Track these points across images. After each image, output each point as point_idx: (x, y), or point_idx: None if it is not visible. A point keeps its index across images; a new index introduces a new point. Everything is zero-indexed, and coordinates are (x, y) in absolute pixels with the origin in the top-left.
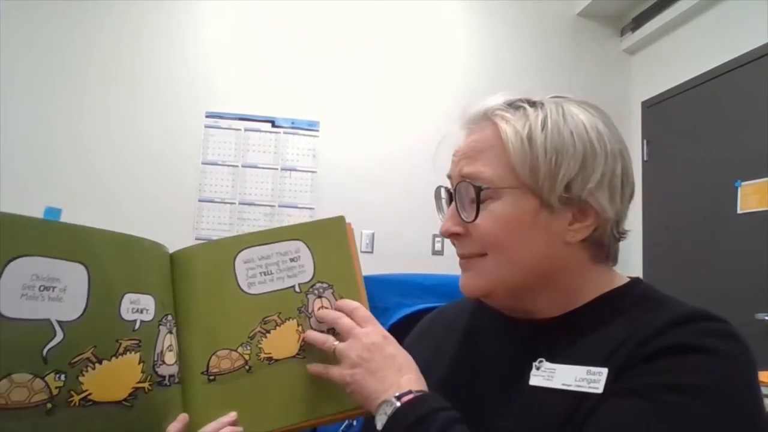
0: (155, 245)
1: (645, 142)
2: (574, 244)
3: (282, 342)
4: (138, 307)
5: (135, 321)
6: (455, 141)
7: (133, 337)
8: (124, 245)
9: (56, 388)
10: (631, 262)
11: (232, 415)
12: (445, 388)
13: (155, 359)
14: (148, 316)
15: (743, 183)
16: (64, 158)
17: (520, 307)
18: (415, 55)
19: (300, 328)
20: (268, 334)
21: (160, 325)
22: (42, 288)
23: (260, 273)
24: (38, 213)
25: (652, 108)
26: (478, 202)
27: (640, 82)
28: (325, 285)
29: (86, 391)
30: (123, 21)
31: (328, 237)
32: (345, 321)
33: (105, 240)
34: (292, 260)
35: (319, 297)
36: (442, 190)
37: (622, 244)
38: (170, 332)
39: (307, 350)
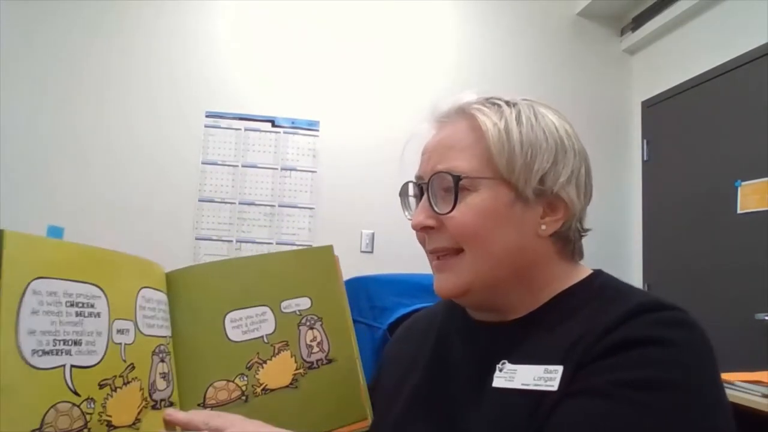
0: (146, 265)
1: (645, 142)
2: (544, 237)
3: (277, 372)
4: (122, 327)
5: (120, 344)
6: (421, 141)
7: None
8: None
9: (88, 414)
10: (631, 262)
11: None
12: (420, 394)
13: (150, 386)
14: (128, 339)
15: (743, 183)
16: (64, 158)
17: (492, 304)
18: (415, 55)
19: (294, 359)
20: (264, 365)
21: (153, 354)
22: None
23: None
24: (39, 213)
25: (652, 108)
26: (456, 193)
27: (640, 82)
28: (315, 317)
29: (110, 416)
30: (123, 21)
31: (315, 266)
32: None
33: (109, 260)
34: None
35: (311, 329)
36: (410, 187)
37: (621, 244)
38: (162, 361)
39: (299, 380)
